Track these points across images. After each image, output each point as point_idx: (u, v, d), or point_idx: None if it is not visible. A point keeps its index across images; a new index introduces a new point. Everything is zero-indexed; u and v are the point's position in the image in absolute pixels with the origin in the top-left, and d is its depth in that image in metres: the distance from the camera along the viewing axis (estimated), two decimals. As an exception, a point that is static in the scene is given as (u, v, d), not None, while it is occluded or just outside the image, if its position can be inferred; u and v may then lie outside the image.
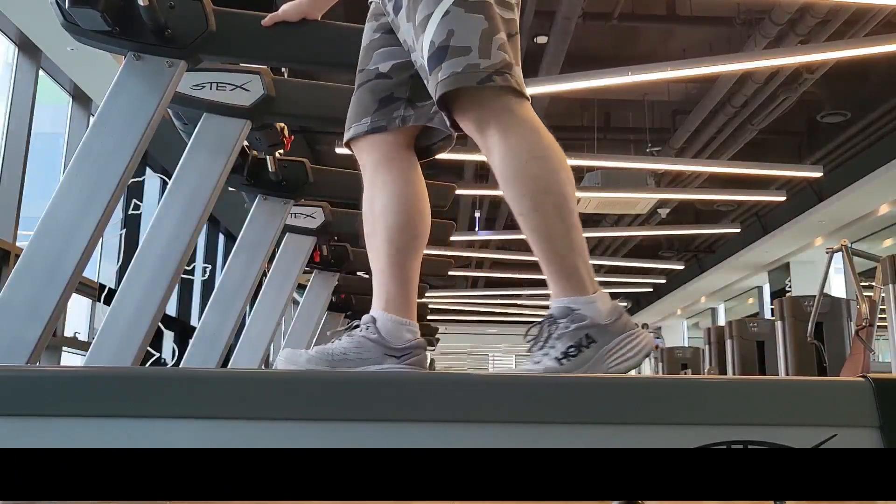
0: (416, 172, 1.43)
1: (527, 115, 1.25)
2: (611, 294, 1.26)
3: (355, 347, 1.31)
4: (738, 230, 11.76)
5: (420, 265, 1.41)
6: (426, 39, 1.24)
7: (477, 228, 11.45)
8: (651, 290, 16.77)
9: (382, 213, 1.38)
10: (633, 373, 1.25)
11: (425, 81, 1.28)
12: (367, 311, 1.36)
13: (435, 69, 1.22)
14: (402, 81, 1.38)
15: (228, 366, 2.78)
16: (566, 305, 1.22)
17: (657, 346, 13.12)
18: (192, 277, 7.87)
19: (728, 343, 7.12)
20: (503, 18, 1.28)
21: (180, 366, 3.24)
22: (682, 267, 14.62)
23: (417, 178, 1.43)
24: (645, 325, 15.31)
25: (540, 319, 1.26)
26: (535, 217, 1.22)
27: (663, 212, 11.35)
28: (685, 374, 9.10)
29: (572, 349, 1.20)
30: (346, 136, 1.43)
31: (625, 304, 19.38)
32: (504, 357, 22.38)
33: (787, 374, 5.60)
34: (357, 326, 1.34)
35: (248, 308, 2.59)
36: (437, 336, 6.24)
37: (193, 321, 9.22)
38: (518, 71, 1.27)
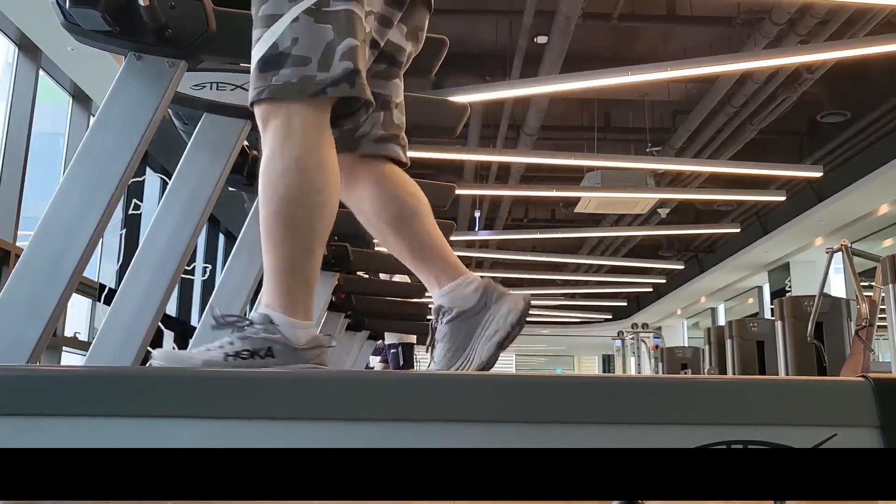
0: (384, 168, 1.48)
1: (319, 130, 1.21)
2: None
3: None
4: (738, 230, 11.77)
5: (436, 228, 1.45)
6: (268, 39, 1.23)
7: (477, 228, 11.46)
8: (651, 290, 16.77)
9: (376, 214, 1.45)
10: (632, 373, 1.25)
11: (251, 74, 1.26)
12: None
13: (270, 72, 1.21)
14: None
15: (228, 366, 2.78)
16: (267, 314, 1.18)
17: (657, 346, 13.12)
18: (192, 277, 7.87)
19: (728, 343, 7.12)
20: (356, 22, 1.24)
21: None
22: (682, 267, 14.63)
23: (390, 171, 1.48)
24: (645, 325, 15.31)
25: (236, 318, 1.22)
26: (270, 223, 1.19)
27: (663, 212, 11.36)
28: (685, 374, 9.10)
29: (246, 353, 1.16)
30: None
31: (625, 302, 19.44)
32: (504, 356, 22.29)
33: (787, 374, 5.60)
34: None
35: (248, 308, 2.59)
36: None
37: (193, 321, 9.23)
38: (364, 76, 1.23)
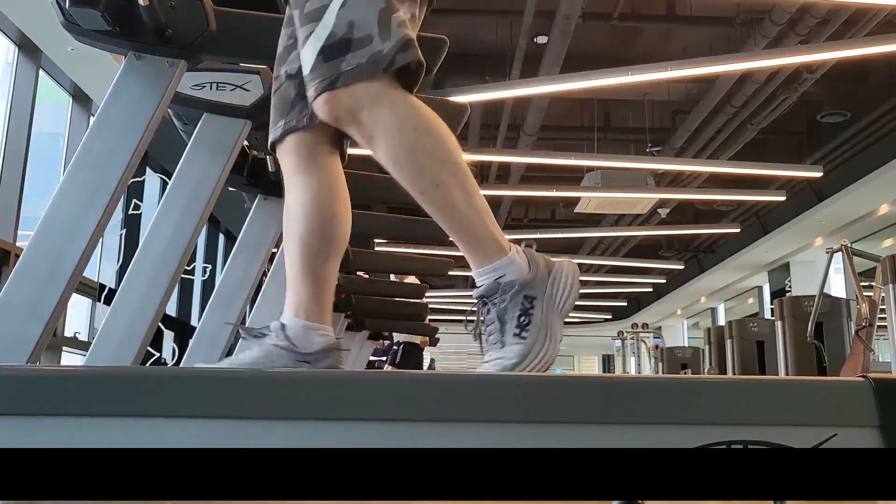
0: (333, 175, 1.42)
1: (403, 94, 1.22)
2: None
3: (264, 356, 1.30)
4: (738, 230, 11.77)
5: (337, 270, 1.40)
6: (322, 31, 1.21)
7: (477, 228, 11.43)
8: (651, 290, 16.77)
9: (295, 218, 1.37)
10: (632, 373, 1.25)
11: (306, 71, 1.24)
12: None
13: (336, 60, 1.19)
14: None
15: (228, 366, 2.77)
16: (491, 280, 1.22)
17: (657, 346, 13.12)
18: (192, 277, 7.87)
19: (728, 343, 7.12)
20: None
21: (180, 366, 3.24)
22: (682, 267, 14.63)
23: (334, 182, 1.41)
24: (645, 325, 15.32)
25: (472, 308, 1.25)
26: (437, 192, 1.20)
27: (663, 212, 11.36)
28: (685, 374, 9.10)
29: (523, 318, 1.20)
30: (269, 142, 1.43)
31: (625, 302, 19.43)
32: (504, 357, 22.27)
33: (787, 374, 5.60)
34: (266, 335, 1.33)
35: (248, 308, 2.59)
36: (437, 336, 6.23)
37: (193, 321, 9.23)
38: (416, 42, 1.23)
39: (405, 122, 1.20)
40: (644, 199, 10.06)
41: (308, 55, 1.23)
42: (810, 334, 5.02)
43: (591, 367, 23.98)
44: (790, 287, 12.12)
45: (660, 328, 18.27)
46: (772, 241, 11.76)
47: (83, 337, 6.99)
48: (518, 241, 1.31)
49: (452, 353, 19.39)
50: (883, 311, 4.40)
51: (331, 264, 1.38)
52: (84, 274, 1.54)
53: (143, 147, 1.56)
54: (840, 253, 4.87)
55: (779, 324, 5.98)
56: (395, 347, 6.53)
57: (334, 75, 1.19)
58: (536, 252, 1.27)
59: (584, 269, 15.73)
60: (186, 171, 1.91)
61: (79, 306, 7.20)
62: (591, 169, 9.39)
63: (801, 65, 6.98)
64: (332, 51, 1.20)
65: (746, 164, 8.92)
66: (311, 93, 1.22)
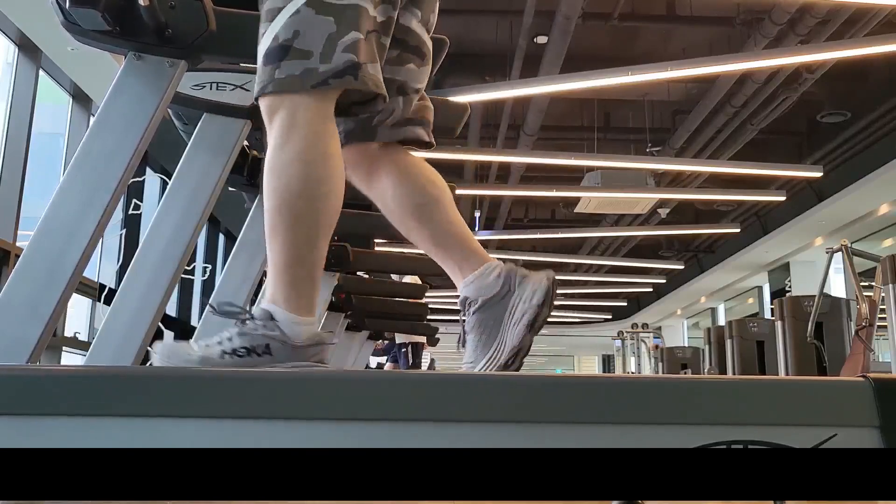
0: (405, 158, 1.48)
1: (323, 122, 1.22)
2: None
3: (484, 334, 1.33)
4: (738, 230, 11.77)
5: (458, 213, 1.46)
6: (270, 33, 1.23)
7: (477, 228, 11.45)
8: (651, 290, 16.77)
9: (399, 204, 1.43)
10: (632, 373, 1.25)
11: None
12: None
13: (272, 65, 1.21)
14: None
15: (228, 366, 2.78)
16: (269, 310, 1.16)
17: (657, 346, 13.12)
18: (192, 277, 7.88)
19: (728, 343, 7.13)
20: (361, 16, 1.24)
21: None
22: (682, 267, 14.63)
23: (411, 161, 1.48)
24: (645, 325, 15.32)
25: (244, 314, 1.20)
26: (274, 216, 1.19)
27: (663, 212, 11.36)
28: (685, 374, 9.09)
29: (243, 350, 1.14)
30: None
31: (625, 302, 19.44)
32: (504, 357, 22.28)
33: (787, 374, 5.60)
34: (463, 318, 1.37)
35: (248, 306, 2.59)
36: (437, 336, 6.24)
37: (193, 321, 9.23)
38: (370, 68, 1.23)
39: (297, 142, 1.20)
40: (644, 199, 10.07)
41: (258, 55, 1.25)
42: (810, 334, 5.02)
43: (591, 367, 23.99)
44: (790, 287, 12.13)
45: (660, 328, 18.27)
46: (772, 241, 11.77)
47: (83, 337, 6.99)
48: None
49: (452, 353, 19.38)
50: (883, 311, 4.40)
51: (453, 215, 1.44)
52: (84, 274, 1.54)
53: (143, 147, 1.56)
54: (840, 253, 4.87)
55: (779, 324, 5.99)
56: (402, 349, 6.54)
57: (268, 81, 1.21)
58: (326, 350, 1.20)
59: (584, 269, 15.74)
60: (186, 171, 1.91)
61: (79, 306, 7.20)
62: (591, 169, 9.40)
63: (801, 65, 6.99)
64: (272, 55, 1.22)
65: (746, 164, 8.92)
66: (254, 92, 1.24)
